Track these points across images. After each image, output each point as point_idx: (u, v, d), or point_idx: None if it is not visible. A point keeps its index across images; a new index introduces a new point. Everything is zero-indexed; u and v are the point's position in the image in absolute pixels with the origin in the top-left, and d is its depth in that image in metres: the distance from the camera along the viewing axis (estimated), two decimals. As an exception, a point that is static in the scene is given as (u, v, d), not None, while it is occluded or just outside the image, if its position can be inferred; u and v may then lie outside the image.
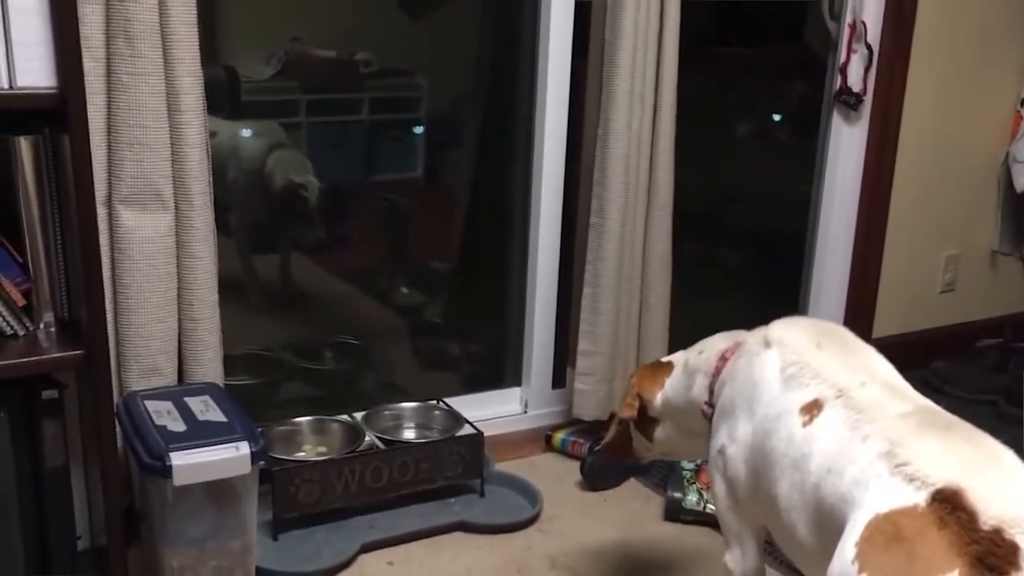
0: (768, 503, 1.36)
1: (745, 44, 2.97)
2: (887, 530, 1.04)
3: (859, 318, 2.98)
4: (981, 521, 0.99)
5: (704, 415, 1.60)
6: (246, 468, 1.65)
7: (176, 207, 1.86)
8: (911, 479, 1.07)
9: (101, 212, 1.76)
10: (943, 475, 1.05)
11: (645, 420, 1.78)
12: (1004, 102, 3.12)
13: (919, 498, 1.05)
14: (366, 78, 2.53)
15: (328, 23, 2.50)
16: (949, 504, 1.02)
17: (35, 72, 1.57)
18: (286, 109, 2.47)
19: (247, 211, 2.47)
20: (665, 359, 1.79)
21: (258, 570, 1.82)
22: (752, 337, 1.53)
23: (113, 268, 1.82)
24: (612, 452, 1.89)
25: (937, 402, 1.30)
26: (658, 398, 1.75)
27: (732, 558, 1.53)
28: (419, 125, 2.67)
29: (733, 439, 1.46)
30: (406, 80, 2.63)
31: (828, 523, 1.18)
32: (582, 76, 2.44)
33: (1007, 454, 1.11)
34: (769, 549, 1.55)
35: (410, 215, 2.76)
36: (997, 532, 0.98)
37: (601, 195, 2.35)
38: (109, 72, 1.75)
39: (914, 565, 0.99)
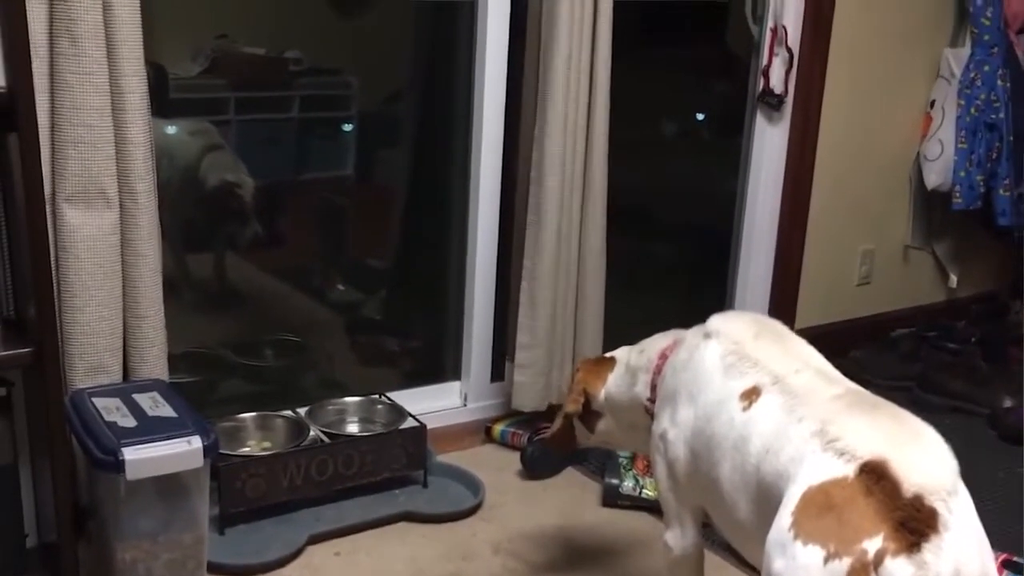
0: (710, 484, 1.43)
1: (669, 45, 3.03)
2: (820, 499, 1.13)
3: (782, 310, 3.07)
4: (904, 489, 1.09)
5: (647, 411, 1.68)
6: (198, 462, 1.67)
7: (121, 205, 1.86)
8: (841, 453, 1.16)
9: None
10: (870, 449, 1.15)
11: (588, 413, 1.86)
12: (915, 104, 3.24)
13: (848, 470, 1.14)
14: (295, 76, 2.53)
15: (255, 21, 2.50)
16: (875, 475, 1.11)
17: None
18: (215, 107, 2.46)
19: (181, 210, 2.46)
20: (609, 355, 1.86)
21: (207, 564, 1.84)
22: (692, 331, 1.62)
23: (57, 266, 1.81)
24: (556, 443, 1.96)
25: (856, 390, 1.39)
26: (601, 393, 1.82)
27: (672, 536, 1.61)
28: (349, 123, 2.69)
29: (675, 423, 1.53)
30: (336, 78, 2.64)
31: (767, 499, 1.25)
32: (519, 75, 2.49)
33: (927, 429, 1.21)
34: (706, 532, 1.62)
35: (344, 212, 2.78)
36: (918, 499, 1.08)
37: (538, 192, 2.40)
38: (53, 71, 1.75)
39: (844, 529, 1.08)
